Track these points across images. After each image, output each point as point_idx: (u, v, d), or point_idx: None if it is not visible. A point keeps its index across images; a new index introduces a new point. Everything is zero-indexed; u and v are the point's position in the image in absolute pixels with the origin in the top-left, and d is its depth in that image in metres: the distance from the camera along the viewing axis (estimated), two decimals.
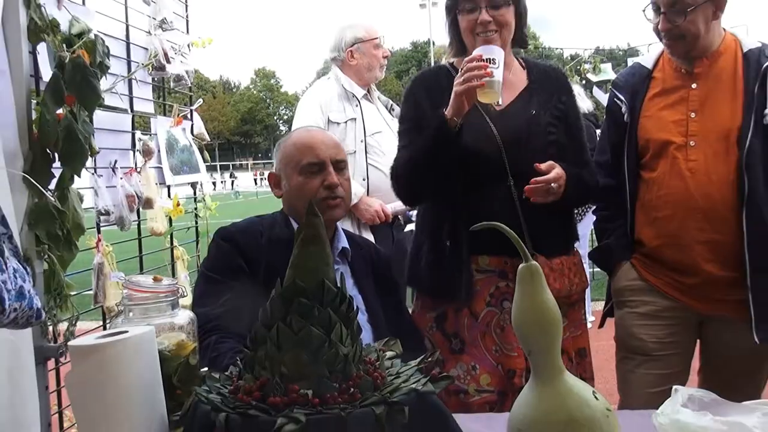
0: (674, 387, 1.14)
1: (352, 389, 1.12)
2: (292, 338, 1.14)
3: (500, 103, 2.05)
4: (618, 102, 2.30)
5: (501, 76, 1.97)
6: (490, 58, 1.96)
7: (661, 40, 2.20)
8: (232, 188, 40.53)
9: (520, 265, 1.16)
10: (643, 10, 2.20)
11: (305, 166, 1.99)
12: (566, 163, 2.11)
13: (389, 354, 1.33)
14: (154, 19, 2.73)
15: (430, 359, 1.33)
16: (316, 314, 1.15)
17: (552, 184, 1.99)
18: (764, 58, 2.12)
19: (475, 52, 2.00)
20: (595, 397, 1.13)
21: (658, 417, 1.08)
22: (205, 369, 1.38)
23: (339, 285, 1.20)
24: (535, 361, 1.16)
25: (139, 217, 2.62)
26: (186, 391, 1.36)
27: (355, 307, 1.22)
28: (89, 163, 2.09)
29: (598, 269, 2.66)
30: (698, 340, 2.27)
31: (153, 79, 2.82)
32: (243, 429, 1.06)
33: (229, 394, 1.16)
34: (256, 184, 41.34)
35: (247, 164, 62.40)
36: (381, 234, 3.22)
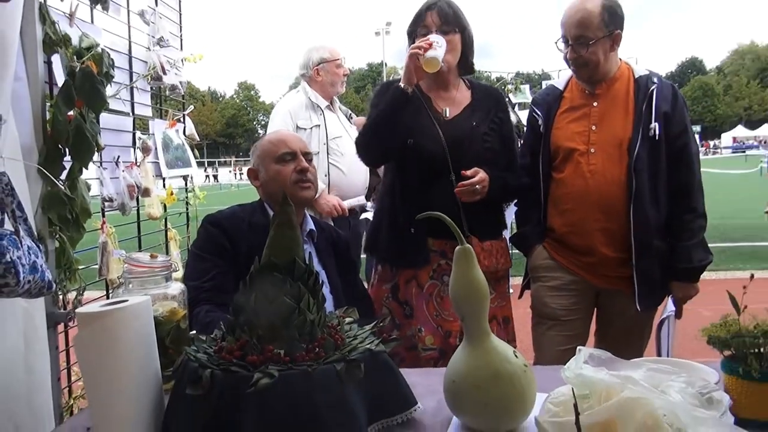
0: (578, 347, 1.14)
1: (317, 349, 1.10)
2: (268, 306, 1.12)
3: (443, 66, 2.07)
4: (536, 116, 2.32)
5: (441, 55, 2.02)
6: (434, 41, 2.02)
7: (569, 66, 2.23)
8: (216, 181, 39.81)
9: (457, 247, 1.16)
10: (556, 42, 2.21)
11: (280, 155, 1.97)
12: (497, 166, 2.14)
13: (348, 320, 1.32)
14: (153, 37, 2.67)
15: (381, 324, 1.32)
16: (288, 286, 1.14)
17: (476, 186, 2.02)
18: (651, 83, 2.15)
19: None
20: (515, 355, 1.14)
21: (565, 372, 1.09)
22: (193, 332, 1.35)
23: (307, 262, 1.18)
24: (467, 325, 1.16)
25: (138, 203, 2.55)
26: (176, 350, 1.33)
27: (320, 281, 1.20)
28: (96, 157, 2.03)
29: (517, 251, 2.68)
30: (595, 308, 2.31)
31: (151, 88, 2.75)
32: (225, 382, 1.04)
33: (213, 354, 1.13)
34: (235, 177, 40.87)
35: (230, 161, 61.38)
36: (339, 221, 3.19)
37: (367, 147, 2.21)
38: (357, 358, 1.10)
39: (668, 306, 2.30)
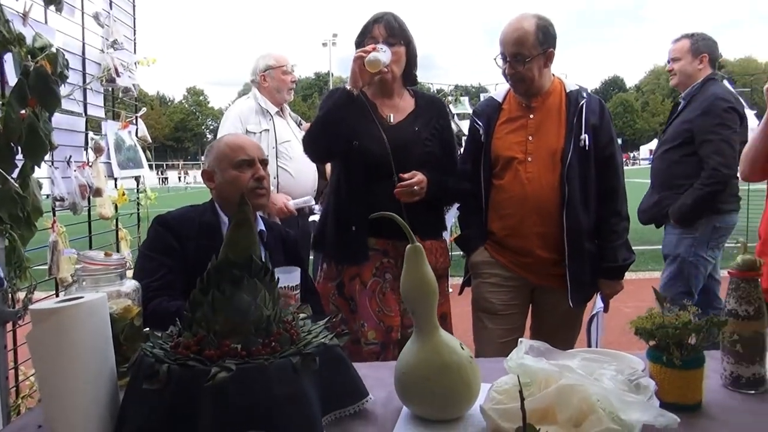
0: (519, 339, 1.17)
1: (273, 343, 1.09)
2: (225, 302, 1.10)
3: (386, 69, 2.10)
4: (477, 126, 2.35)
5: (384, 58, 2.05)
6: (378, 47, 2.06)
7: (507, 81, 2.28)
8: (165, 184, 38.65)
9: (408, 246, 1.16)
10: (495, 59, 2.26)
11: (239, 161, 1.92)
12: (438, 170, 2.17)
13: (302, 316, 1.31)
14: (107, 39, 2.58)
15: (333, 320, 1.32)
16: (245, 283, 1.12)
17: (414, 188, 2.05)
18: (581, 98, 2.22)
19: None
20: (462, 348, 1.15)
21: (508, 362, 1.11)
22: (147, 329, 1.31)
23: (263, 260, 1.17)
24: (417, 319, 1.17)
25: (89, 203, 2.46)
26: (130, 347, 1.29)
27: (276, 278, 1.19)
28: (47, 156, 1.94)
29: (455, 252, 2.71)
30: (531, 304, 2.36)
31: (105, 90, 2.66)
32: (182, 377, 1.01)
33: (170, 349, 1.10)
34: (179, 180, 39.97)
35: (179, 164, 59.74)
36: (289, 221, 3.17)
37: (313, 143, 2.22)
38: (312, 352, 1.09)
39: (597, 303, 2.38)
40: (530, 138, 2.22)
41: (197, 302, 1.13)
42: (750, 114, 7.60)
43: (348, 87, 2.08)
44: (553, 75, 2.30)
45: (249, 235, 1.17)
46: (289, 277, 1.65)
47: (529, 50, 2.15)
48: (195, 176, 38.27)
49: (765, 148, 1.92)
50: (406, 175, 2.07)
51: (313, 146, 2.23)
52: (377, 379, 1.30)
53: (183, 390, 1.01)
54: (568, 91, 2.26)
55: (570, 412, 1.00)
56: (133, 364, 1.11)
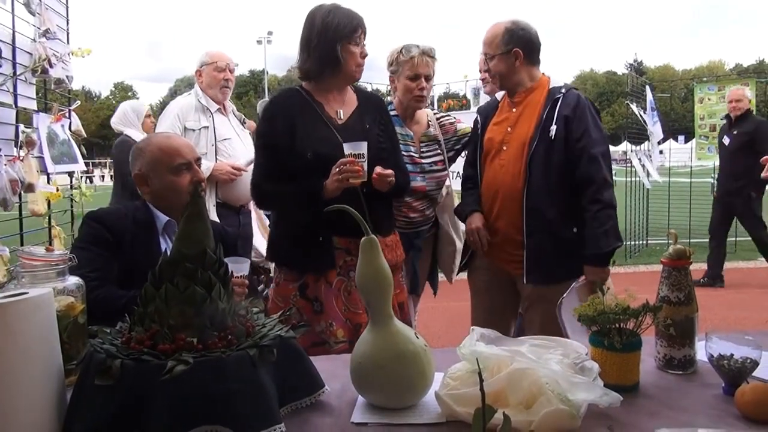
0: (471, 327, 1.21)
1: (229, 336, 1.08)
2: (179, 295, 1.08)
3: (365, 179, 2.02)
4: (477, 121, 2.54)
5: (366, 164, 1.98)
6: (359, 153, 1.96)
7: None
8: (91, 183, 36.85)
9: (363, 238, 1.18)
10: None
11: (176, 166, 1.85)
12: (388, 165, 2.11)
13: (255, 309, 1.30)
14: (39, 28, 2.45)
15: (287, 314, 1.31)
16: (199, 276, 1.10)
17: (389, 179, 2.04)
18: (558, 93, 2.31)
19: (347, 151, 1.97)
20: (417, 336, 1.18)
21: (461, 349, 1.15)
22: (95, 327, 1.27)
23: (217, 254, 1.15)
24: (372, 310, 1.18)
25: (20, 199, 2.33)
26: (73, 346, 1.24)
27: (230, 272, 1.17)
28: None
29: None
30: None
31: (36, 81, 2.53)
32: (137, 372, 0.99)
33: (121, 345, 1.07)
34: (102, 180, 38.48)
35: (105, 162, 57.30)
36: (228, 218, 3.11)
37: (260, 204, 2.36)
38: (269, 344, 1.09)
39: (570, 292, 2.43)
40: (509, 129, 2.37)
41: (149, 296, 1.11)
42: (655, 122, 7.94)
43: (326, 191, 2.00)
44: (543, 73, 2.42)
45: (202, 227, 1.15)
46: (238, 268, 1.64)
47: (493, 49, 2.33)
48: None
49: None
50: (378, 169, 2.04)
51: (262, 207, 2.40)
52: (331, 371, 1.31)
53: (137, 385, 0.99)
54: (551, 87, 2.37)
55: (521, 395, 1.04)
56: (82, 360, 1.08)
